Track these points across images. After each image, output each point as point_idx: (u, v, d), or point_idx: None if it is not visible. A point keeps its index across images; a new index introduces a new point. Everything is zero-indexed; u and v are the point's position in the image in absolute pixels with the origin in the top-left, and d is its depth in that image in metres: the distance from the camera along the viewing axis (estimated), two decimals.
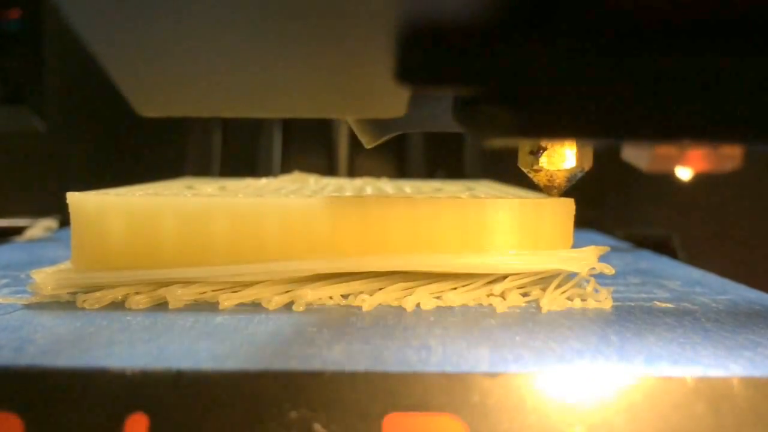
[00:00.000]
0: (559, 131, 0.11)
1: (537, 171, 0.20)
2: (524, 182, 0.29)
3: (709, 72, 0.11)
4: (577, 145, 0.20)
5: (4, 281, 0.21)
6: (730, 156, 0.13)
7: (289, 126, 0.47)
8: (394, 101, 0.14)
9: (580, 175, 0.21)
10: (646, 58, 0.10)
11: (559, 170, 0.20)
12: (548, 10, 0.10)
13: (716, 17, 0.10)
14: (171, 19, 0.11)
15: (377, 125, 0.18)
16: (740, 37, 0.10)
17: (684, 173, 0.14)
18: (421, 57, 0.11)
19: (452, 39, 0.10)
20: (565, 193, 0.21)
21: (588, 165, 0.21)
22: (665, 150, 0.13)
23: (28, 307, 0.18)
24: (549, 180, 0.20)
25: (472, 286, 0.19)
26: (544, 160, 0.20)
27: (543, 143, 0.20)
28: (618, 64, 0.10)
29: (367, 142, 0.19)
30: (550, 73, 0.11)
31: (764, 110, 0.11)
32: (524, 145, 0.21)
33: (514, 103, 0.11)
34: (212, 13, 0.11)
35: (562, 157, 0.20)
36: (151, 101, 0.14)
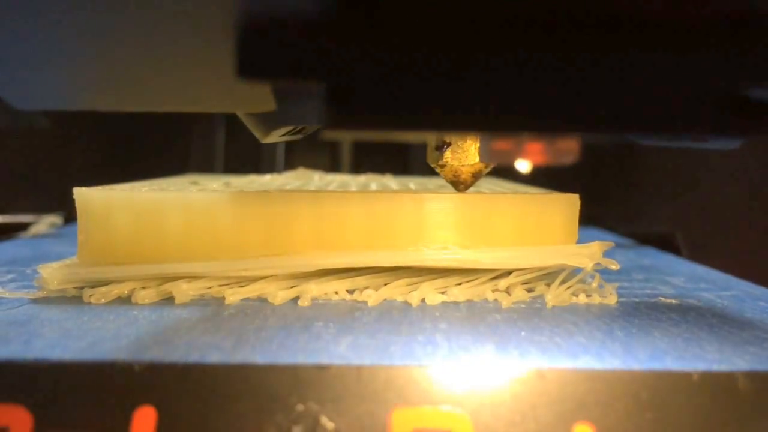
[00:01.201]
0: (383, 124, 0.11)
1: (442, 166, 0.21)
2: (528, 178, 0.29)
3: (535, 64, 0.11)
4: (481, 142, 0.20)
5: (10, 276, 0.21)
6: (566, 150, 0.13)
7: None
8: (257, 95, 0.14)
9: (486, 170, 0.21)
10: (471, 51, 0.11)
11: (463, 166, 0.20)
12: (371, 4, 0.10)
13: (538, 10, 0.10)
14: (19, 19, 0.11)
15: (262, 120, 0.18)
16: (559, 29, 0.11)
17: (522, 166, 0.14)
18: (254, 51, 0.11)
19: (282, 33, 0.11)
20: (569, 190, 0.21)
21: (493, 162, 0.21)
22: (501, 144, 0.14)
23: (35, 301, 0.18)
24: (454, 175, 0.21)
25: (476, 282, 0.20)
26: (448, 156, 0.20)
27: (447, 138, 0.20)
28: (441, 57, 0.11)
29: (260, 137, 0.19)
30: (374, 67, 0.11)
31: (597, 101, 0.11)
32: (431, 141, 0.21)
33: (339, 98, 0.11)
34: (55, 8, 0.11)
35: (466, 153, 0.20)
36: (23, 96, 0.14)
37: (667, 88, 0.11)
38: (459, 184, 0.21)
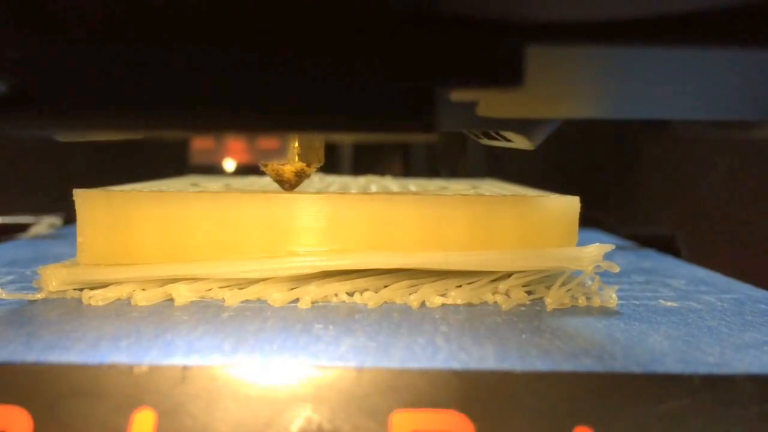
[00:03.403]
0: (67, 124, 0.11)
1: (265, 165, 0.21)
2: (528, 181, 0.29)
3: (229, 63, 0.11)
4: (302, 142, 0.21)
5: (10, 277, 0.21)
6: (269, 149, 0.14)
7: None
8: None
9: (310, 170, 0.21)
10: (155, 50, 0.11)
11: (284, 165, 0.21)
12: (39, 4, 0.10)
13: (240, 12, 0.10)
14: None
15: None
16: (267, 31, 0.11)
17: (229, 165, 0.14)
18: None
19: None
20: (570, 192, 0.21)
21: (317, 161, 0.21)
22: (203, 143, 0.14)
23: (34, 303, 0.18)
24: (277, 175, 0.21)
25: (477, 284, 0.19)
26: None
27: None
28: (126, 56, 0.11)
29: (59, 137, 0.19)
30: (59, 67, 0.11)
31: (289, 101, 0.11)
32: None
33: (20, 97, 0.11)
34: None
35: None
36: None
37: (352, 88, 0.11)
38: (284, 183, 0.21)
